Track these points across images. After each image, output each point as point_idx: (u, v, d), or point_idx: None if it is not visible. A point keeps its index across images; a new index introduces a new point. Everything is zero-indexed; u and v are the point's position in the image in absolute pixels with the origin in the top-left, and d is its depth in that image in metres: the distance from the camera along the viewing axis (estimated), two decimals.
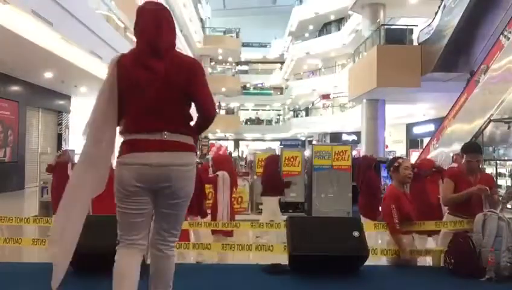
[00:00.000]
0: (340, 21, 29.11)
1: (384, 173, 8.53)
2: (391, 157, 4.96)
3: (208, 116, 2.02)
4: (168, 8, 2.14)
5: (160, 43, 1.92)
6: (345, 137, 29.95)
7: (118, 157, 1.95)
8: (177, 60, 1.97)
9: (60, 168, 6.50)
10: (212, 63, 36.10)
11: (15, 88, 13.12)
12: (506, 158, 10.28)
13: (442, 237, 3.45)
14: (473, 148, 3.48)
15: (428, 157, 9.94)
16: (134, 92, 1.90)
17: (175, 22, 2.08)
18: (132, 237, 1.95)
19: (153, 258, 2.04)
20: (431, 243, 4.13)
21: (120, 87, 1.91)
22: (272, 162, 7.44)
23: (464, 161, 3.41)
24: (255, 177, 9.99)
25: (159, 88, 1.89)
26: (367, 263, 3.11)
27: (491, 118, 9.03)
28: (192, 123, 2.03)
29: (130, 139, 1.93)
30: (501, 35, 9.12)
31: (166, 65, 1.92)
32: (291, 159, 10.05)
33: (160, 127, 1.90)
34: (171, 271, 2.04)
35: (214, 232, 4.63)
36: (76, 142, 16.84)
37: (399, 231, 3.21)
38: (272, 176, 7.10)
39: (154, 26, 1.93)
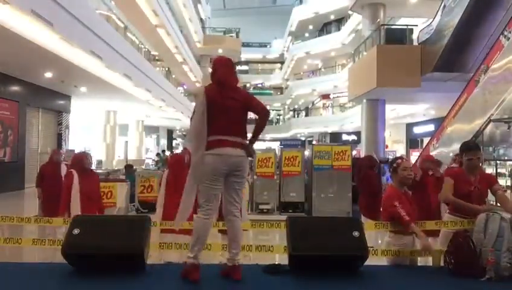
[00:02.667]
0: (340, 21, 29.14)
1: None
2: (391, 157, 4.93)
3: (264, 114, 3.05)
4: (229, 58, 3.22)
5: (232, 83, 3.05)
6: (345, 137, 29.95)
7: (209, 150, 2.89)
8: (241, 92, 3.08)
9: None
10: None
11: (15, 88, 13.12)
12: (506, 158, 10.27)
13: (442, 237, 3.44)
14: (471, 146, 3.48)
15: None
16: (224, 112, 2.96)
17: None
18: (209, 205, 2.93)
19: (228, 223, 3.00)
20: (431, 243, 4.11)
21: (209, 109, 2.93)
22: (366, 164, 6.48)
23: (464, 160, 3.40)
24: (255, 177, 9.99)
25: (236, 110, 2.99)
26: (367, 263, 3.10)
27: (491, 118, 9.02)
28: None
29: (221, 139, 2.92)
30: (501, 35, 9.12)
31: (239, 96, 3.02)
32: (291, 159, 10.04)
33: (237, 133, 2.97)
34: (241, 231, 3.03)
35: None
36: (75, 142, 16.86)
37: (410, 221, 3.17)
38: (365, 180, 6.28)
39: (226, 72, 3.05)
